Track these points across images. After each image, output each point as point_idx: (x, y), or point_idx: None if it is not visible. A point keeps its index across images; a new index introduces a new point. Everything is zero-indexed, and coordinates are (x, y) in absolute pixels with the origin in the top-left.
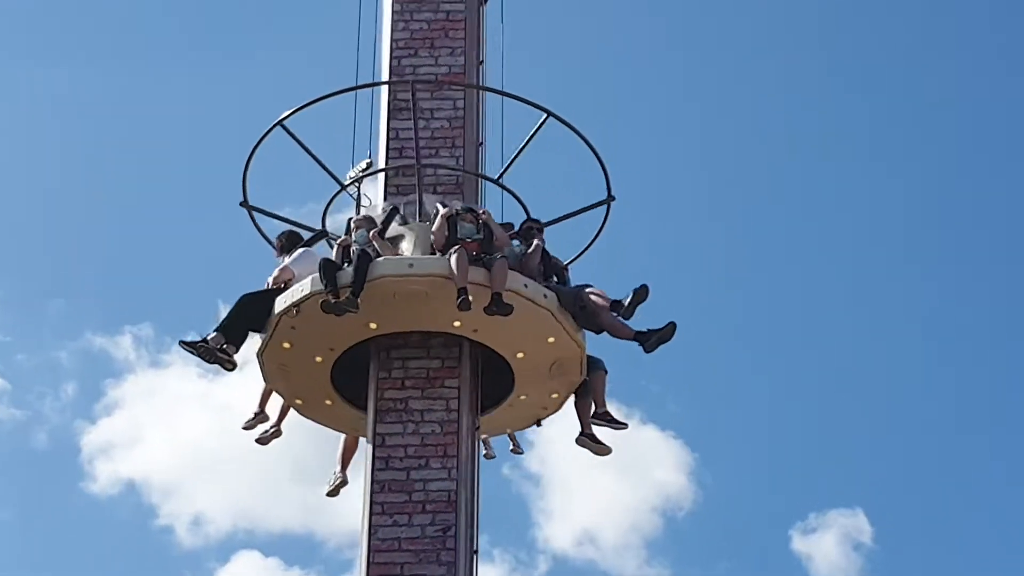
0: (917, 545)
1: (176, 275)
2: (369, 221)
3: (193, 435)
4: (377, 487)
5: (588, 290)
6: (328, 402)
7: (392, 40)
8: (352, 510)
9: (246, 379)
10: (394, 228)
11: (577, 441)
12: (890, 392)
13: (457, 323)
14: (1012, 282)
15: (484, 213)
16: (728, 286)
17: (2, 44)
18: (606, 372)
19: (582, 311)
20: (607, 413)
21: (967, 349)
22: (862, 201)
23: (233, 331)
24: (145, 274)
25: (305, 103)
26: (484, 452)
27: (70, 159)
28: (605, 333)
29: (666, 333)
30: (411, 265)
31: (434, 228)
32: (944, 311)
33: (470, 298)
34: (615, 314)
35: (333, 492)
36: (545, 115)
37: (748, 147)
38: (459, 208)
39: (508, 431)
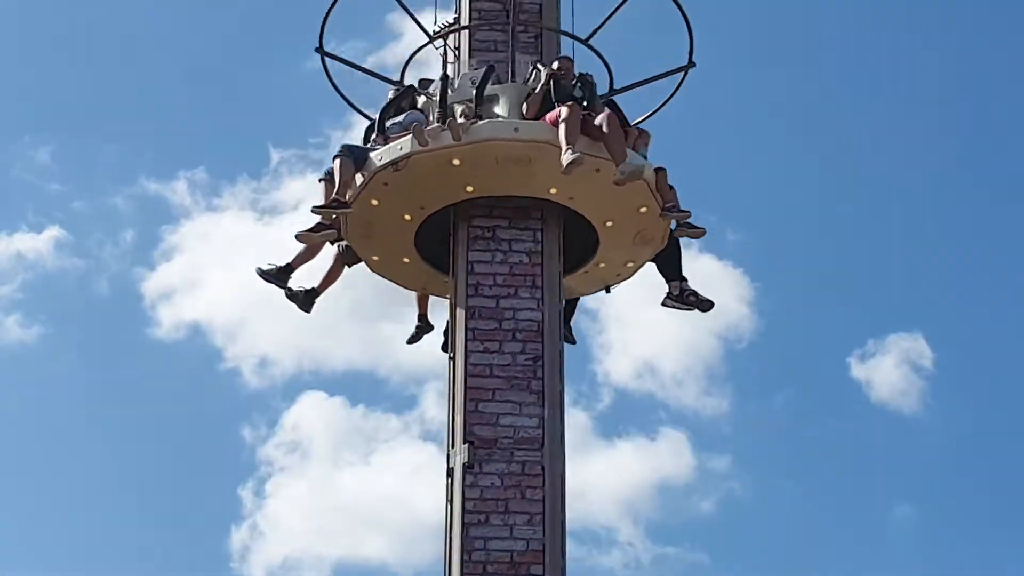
0: (979, 368)
1: (228, 119)
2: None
3: (252, 277)
4: (469, 313)
5: None
6: (406, 260)
7: None
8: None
9: (301, 221)
10: (487, 88)
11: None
12: (950, 213)
13: (553, 190)
14: None
15: (588, 75)
16: (789, 115)
17: None
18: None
19: None
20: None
21: None
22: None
23: None
24: (197, 118)
25: None
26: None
27: (120, 2)
28: None
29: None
30: (516, 129)
31: (537, 89)
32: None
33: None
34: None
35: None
36: None
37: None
38: (555, 66)
39: (578, 295)
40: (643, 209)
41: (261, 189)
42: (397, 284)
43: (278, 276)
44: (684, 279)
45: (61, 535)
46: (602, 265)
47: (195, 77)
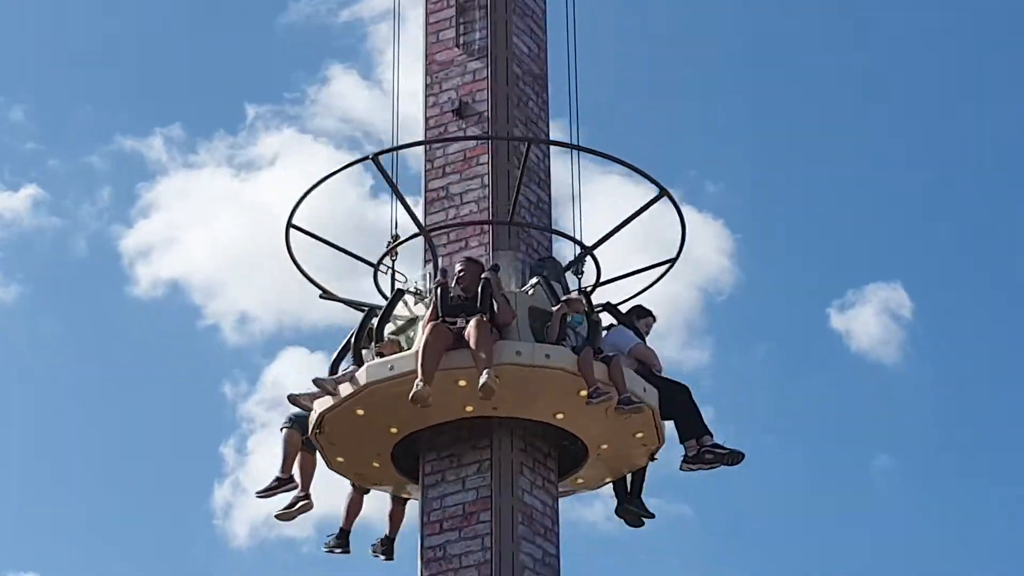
0: (958, 317)
1: (203, 74)
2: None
3: (230, 235)
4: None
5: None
6: (416, 499)
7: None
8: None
9: (278, 176)
10: (408, 311)
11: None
12: (927, 162)
13: (470, 408)
14: None
15: (493, 270)
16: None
17: None
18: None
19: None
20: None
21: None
22: None
23: None
24: (172, 74)
25: (305, 191)
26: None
27: None
28: None
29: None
30: (391, 368)
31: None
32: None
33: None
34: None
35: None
36: (527, 143)
37: None
38: (458, 268)
39: (638, 467)
40: (582, 392)
41: (237, 145)
42: None
43: (340, 544)
44: (704, 433)
45: (41, 495)
46: (604, 446)
47: (169, 33)
